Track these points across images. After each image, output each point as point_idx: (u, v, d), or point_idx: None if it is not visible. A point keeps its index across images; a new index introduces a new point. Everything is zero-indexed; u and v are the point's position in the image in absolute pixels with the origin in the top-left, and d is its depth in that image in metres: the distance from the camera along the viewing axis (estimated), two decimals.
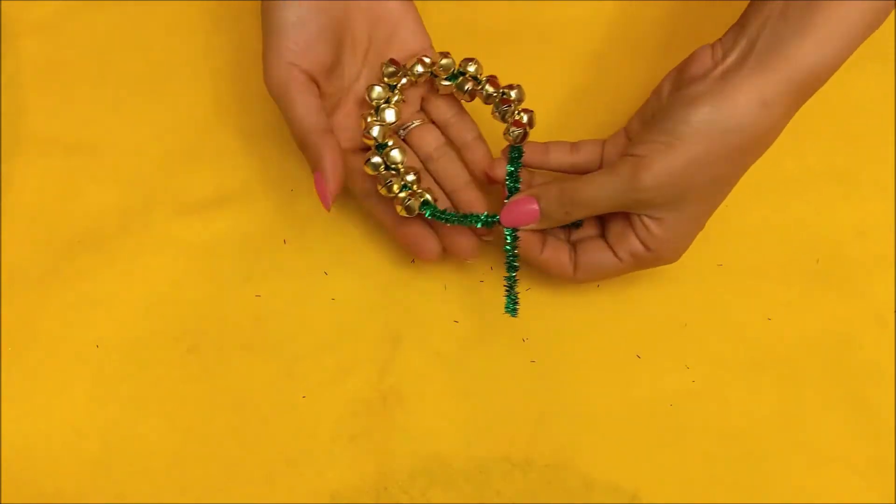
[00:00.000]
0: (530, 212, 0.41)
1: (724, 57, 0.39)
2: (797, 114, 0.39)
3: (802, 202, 0.49)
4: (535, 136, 0.49)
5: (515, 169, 0.43)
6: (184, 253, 0.48)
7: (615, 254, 0.42)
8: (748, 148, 0.39)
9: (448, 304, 0.47)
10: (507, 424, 0.45)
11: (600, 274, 0.43)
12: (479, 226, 0.42)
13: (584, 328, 0.46)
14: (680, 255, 0.42)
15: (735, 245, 0.48)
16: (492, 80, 0.44)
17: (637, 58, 0.52)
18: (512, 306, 0.43)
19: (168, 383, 0.45)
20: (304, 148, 0.41)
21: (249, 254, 0.48)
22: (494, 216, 0.42)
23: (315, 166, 0.41)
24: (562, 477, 0.44)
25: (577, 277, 0.43)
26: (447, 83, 0.44)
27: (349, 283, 0.47)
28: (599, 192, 0.40)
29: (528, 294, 0.46)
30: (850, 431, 0.45)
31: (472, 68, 0.44)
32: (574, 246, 0.43)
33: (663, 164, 0.38)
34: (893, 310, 0.47)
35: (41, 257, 0.48)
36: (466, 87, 0.44)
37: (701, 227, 0.42)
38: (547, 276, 0.44)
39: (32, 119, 0.51)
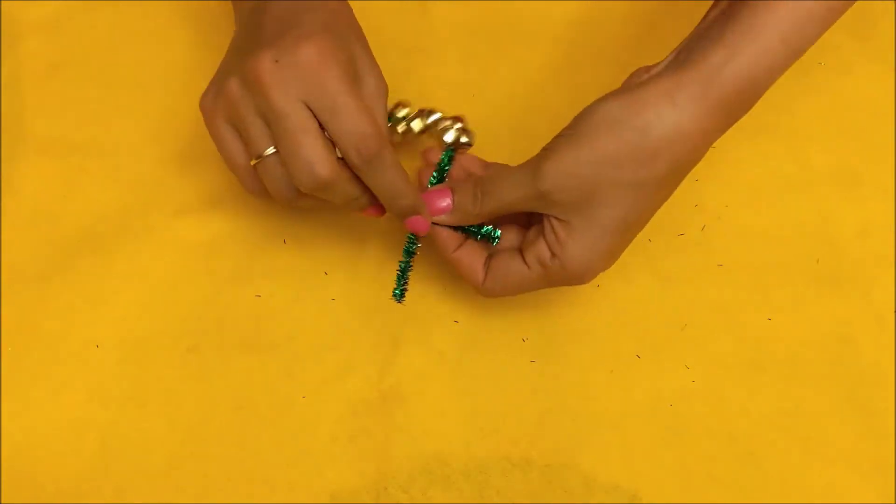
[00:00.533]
0: (443, 202, 0.42)
1: (655, 69, 0.39)
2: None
3: (803, 202, 0.49)
4: (535, 132, 0.49)
5: (443, 165, 0.43)
6: (183, 253, 0.48)
7: (524, 260, 0.41)
8: (657, 152, 0.37)
9: (448, 304, 0.47)
10: (507, 424, 0.45)
11: (508, 282, 0.42)
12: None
13: (584, 328, 0.46)
14: (590, 275, 0.40)
15: (735, 245, 0.48)
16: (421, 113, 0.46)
17: (636, 58, 0.52)
18: (399, 291, 0.43)
19: (168, 383, 0.45)
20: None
21: (249, 254, 0.48)
22: None
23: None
24: (562, 477, 0.44)
25: (486, 285, 0.42)
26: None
27: (349, 283, 0.47)
28: (506, 182, 0.40)
29: (529, 294, 0.46)
30: (850, 431, 0.45)
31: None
32: (491, 256, 0.43)
33: (564, 156, 0.38)
34: (893, 310, 0.47)
35: (41, 257, 0.48)
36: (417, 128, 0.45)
37: (614, 245, 0.40)
38: (460, 279, 0.44)
39: (32, 119, 0.51)
